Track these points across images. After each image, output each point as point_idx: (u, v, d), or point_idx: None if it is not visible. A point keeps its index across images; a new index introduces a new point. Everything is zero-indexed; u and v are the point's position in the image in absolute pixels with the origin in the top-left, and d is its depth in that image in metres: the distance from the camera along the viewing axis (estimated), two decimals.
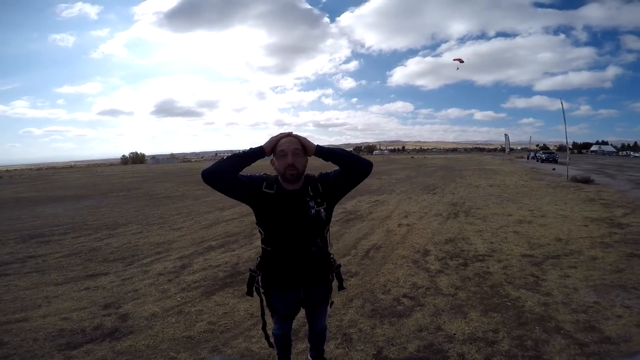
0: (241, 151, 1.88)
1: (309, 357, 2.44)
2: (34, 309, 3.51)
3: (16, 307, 3.56)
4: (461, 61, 35.53)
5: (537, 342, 2.72)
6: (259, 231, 1.96)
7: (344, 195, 2.00)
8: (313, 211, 1.88)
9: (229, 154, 1.87)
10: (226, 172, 1.80)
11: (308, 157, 1.92)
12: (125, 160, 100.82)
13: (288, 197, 1.87)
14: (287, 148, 1.82)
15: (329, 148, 1.92)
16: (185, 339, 2.89)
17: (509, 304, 3.40)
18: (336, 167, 1.93)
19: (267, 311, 2.10)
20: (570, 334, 2.82)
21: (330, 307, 2.18)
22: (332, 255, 2.06)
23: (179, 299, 3.69)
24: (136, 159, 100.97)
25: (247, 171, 1.87)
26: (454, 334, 2.88)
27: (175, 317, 3.27)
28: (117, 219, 8.48)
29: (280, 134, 1.89)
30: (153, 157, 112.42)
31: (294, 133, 1.91)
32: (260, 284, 2.01)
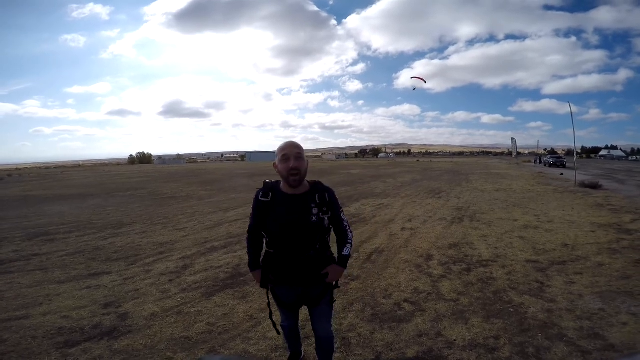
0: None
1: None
2: (35, 307, 3.53)
3: (18, 305, 3.58)
4: (424, 81, 33.28)
5: (539, 350, 2.67)
6: (263, 235, 2.06)
7: None
8: (315, 218, 1.92)
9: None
10: (255, 234, 2.09)
11: (309, 160, 1.97)
12: (132, 160, 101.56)
13: (288, 201, 1.93)
14: (290, 153, 1.87)
15: (348, 257, 2.09)
16: (184, 340, 2.88)
17: (511, 310, 3.35)
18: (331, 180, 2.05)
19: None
20: (574, 341, 2.77)
21: (331, 303, 2.18)
22: (334, 256, 2.10)
23: (179, 300, 3.69)
24: (143, 159, 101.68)
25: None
26: (455, 340, 2.84)
27: (175, 318, 3.27)
28: (122, 219, 8.53)
29: None
30: (160, 158, 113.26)
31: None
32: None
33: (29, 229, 7.34)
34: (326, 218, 1.97)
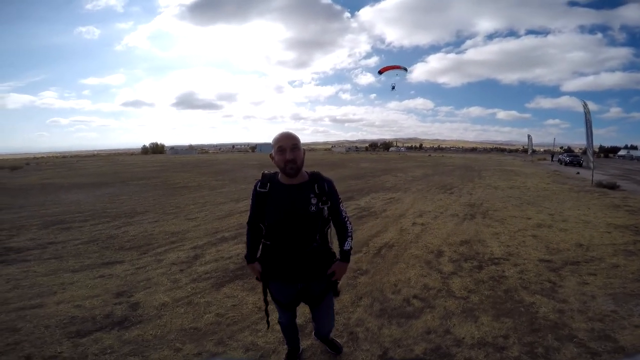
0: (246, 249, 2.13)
1: (313, 335, 2.60)
2: (49, 296, 3.60)
3: (33, 293, 3.65)
4: (405, 69, 24.74)
5: (548, 350, 2.64)
6: (261, 227, 2.03)
7: None
8: (313, 208, 1.92)
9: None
10: (254, 226, 2.07)
11: (305, 150, 1.97)
12: (145, 150, 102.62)
13: (287, 191, 1.93)
14: (286, 145, 1.86)
15: (350, 250, 2.11)
16: (193, 330, 2.93)
17: (522, 309, 3.31)
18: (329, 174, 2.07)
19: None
20: (584, 343, 2.73)
21: (338, 296, 2.24)
22: (333, 250, 2.12)
23: (189, 290, 3.74)
24: (156, 149, 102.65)
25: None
26: (463, 338, 2.82)
27: (185, 308, 3.32)
28: (135, 207, 8.66)
29: None
30: (172, 148, 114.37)
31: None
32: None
33: (46, 217, 7.51)
34: (325, 208, 1.97)
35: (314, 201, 1.93)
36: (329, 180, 2.02)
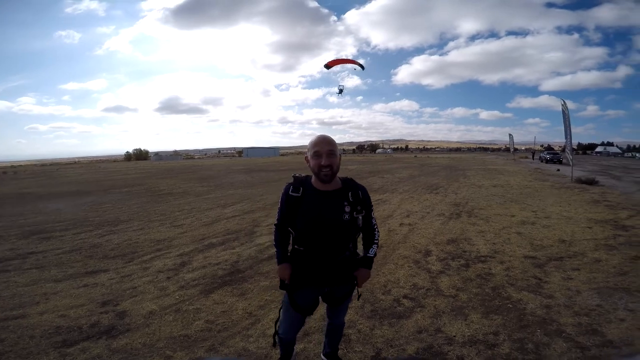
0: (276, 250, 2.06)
1: (322, 356, 2.48)
2: (32, 306, 3.49)
3: (15, 304, 3.54)
4: (362, 66, 19.27)
5: (538, 345, 2.69)
6: (290, 231, 1.98)
7: None
8: (347, 216, 1.87)
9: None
10: (283, 229, 2.00)
11: (341, 155, 1.92)
12: (128, 157, 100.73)
13: (320, 198, 1.87)
14: (322, 149, 1.81)
15: (374, 257, 2.07)
16: (182, 338, 2.87)
17: (510, 306, 3.36)
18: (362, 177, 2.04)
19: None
20: (572, 337, 2.79)
21: (359, 300, 2.31)
22: (360, 256, 2.08)
23: (177, 297, 3.67)
24: (140, 155, 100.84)
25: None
26: (454, 336, 2.84)
27: (173, 315, 3.26)
28: (119, 215, 8.48)
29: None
30: (156, 154, 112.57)
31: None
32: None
33: (25, 227, 7.29)
34: (360, 217, 1.93)
35: (347, 209, 1.88)
36: (362, 188, 1.97)
